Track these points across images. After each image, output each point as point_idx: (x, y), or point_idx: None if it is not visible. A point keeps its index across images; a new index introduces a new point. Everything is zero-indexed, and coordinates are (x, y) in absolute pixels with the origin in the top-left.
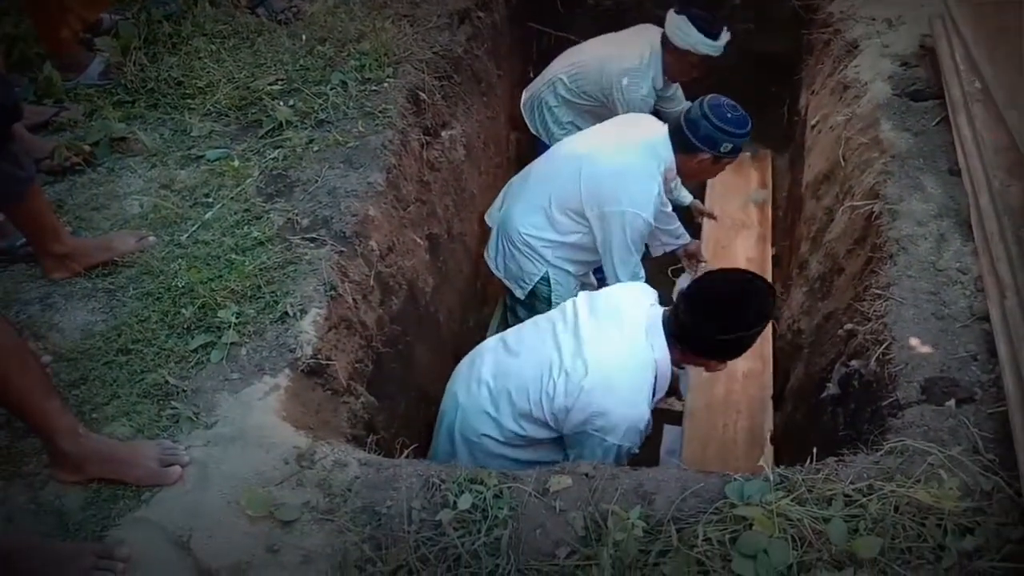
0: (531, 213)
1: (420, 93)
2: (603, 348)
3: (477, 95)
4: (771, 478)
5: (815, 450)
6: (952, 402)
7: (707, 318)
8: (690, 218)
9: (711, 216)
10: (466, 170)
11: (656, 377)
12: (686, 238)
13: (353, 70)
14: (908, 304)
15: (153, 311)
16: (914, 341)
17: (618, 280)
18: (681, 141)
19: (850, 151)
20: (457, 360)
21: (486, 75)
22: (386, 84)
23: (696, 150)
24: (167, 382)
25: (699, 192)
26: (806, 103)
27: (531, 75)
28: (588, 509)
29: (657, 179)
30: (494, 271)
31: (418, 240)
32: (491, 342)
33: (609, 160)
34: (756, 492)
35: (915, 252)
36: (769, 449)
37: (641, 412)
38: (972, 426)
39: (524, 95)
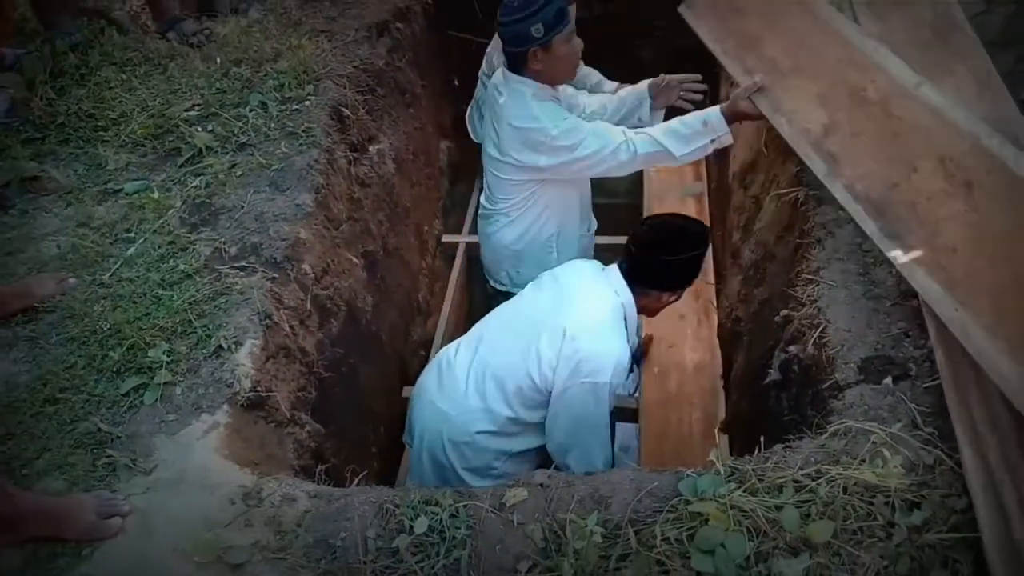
0: None
1: (343, 109)
2: (577, 303)
3: (402, 107)
4: (722, 471)
5: (763, 439)
6: (889, 379)
7: (656, 246)
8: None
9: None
10: (397, 183)
11: (626, 318)
12: None
13: (272, 90)
14: (839, 286)
15: (79, 356)
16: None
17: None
18: (511, 60)
19: (771, 140)
20: (405, 376)
21: (410, 86)
22: (307, 102)
23: (523, 55)
24: (100, 429)
25: (636, 187)
26: (726, 95)
27: (455, 83)
28: (546, 520)
29: (528, 103)
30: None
31: (353, 259)
32: (452, 347)
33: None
34: (709, 486)
35: (841, 235)
36: (723, 439)
37: (623, 347)
38: (910, 401)
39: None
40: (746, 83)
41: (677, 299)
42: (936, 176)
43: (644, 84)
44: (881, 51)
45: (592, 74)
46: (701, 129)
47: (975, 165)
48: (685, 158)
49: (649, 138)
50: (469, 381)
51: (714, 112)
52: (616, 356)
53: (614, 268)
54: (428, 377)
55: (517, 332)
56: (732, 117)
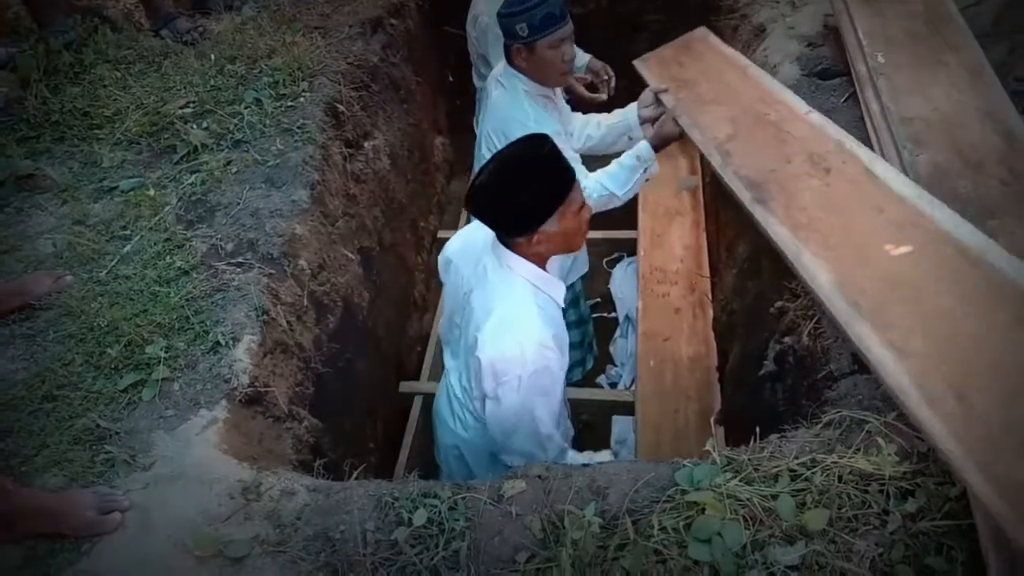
0: None
1: (338, 105)
2: (476, 317)
3: (397, 103)
4: (718, 461)
5: (758, 429)
6: None
7: (497, 191)
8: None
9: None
10: (393, 179)
11: (537, 287)
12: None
13: (267, 87)
14: None
15: (77, 353)
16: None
17: None
18: (504, 50)
19: None
20: (401, 372)
21: (404, 82)
22: (302, 99)
23: (508, 48)
24: (98, 426)
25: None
26: None
27: (450, 78)
28: (544, 511)
29: (521, 99)
30: None
31: (350, 255)
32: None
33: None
34: (705, 476)
35: None
36: (719, 431)
37: (526, 328)
38: None
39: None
40: (669, 110)
41: (582, 212)
42: (804, 165)
43: (631, 106)
44: (786, 91)
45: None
46: (636, 164)
47: (836, 158)
48: (627, 195)
49: (597, 184)
50: (454, 406)
51: (644, 145)
52: (527, 350)
53: (495, 244)
54: (439, 399)
55: (456, 354)
56: (659, 144)
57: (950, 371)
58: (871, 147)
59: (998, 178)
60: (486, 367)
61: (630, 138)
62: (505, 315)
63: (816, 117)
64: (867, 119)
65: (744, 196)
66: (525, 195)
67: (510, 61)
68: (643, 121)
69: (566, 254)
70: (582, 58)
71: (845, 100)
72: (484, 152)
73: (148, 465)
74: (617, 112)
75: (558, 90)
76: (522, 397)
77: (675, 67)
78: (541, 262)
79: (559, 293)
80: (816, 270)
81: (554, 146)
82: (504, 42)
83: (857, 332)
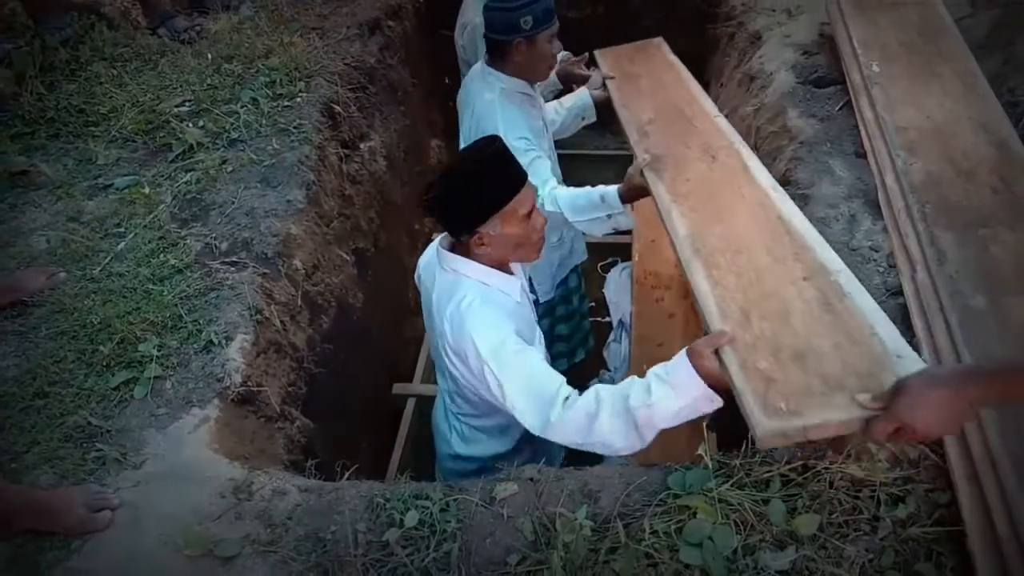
0: None
1: (335, 106)
2: (436, 314)
3: (393, 105)
4: (710, 465)
5: (750, 434)
6: None
7: (450, 195)
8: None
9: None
10: (388, 181)
11: (487, 283)
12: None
13: (263, 87)
14: None
15: (69, 350)
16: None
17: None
18: (492, 47)
19: (761, 140)
20: (395, 373)
21: (401, 84)
22: (299, 99)
23: (505, 44)
24: (90, 423)
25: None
26: (715, 96)
27: (446, 81)
28: (536, 514)
29: (496, 101)
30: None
31: (344, 256)
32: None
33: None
34: (697, 481)
35: (829, 234)
36: (711, 436)
37: (473, 321)
38: None
39: None
40: (638, 162)
41: (531, 220)
42: (698, 151)
43: (584, 88)
44: (706, 98)
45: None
46: (598, 203)
47: (724, 152)
48: (580, 225)
49: (554, 195)
50: (449, 419)
51: (611, 190)
52: (471, 334)
53: (440, 251)
54: (436, 411)
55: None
56: (628, 196)
57: (744, 299)
58: (865, 155)
59: (990, 186)
60: (454, 352)
61: (583, 118)
62: (452, 314)
63: (722, 121)
64: (861, 127)
65: (645, 159)
66: (465, 195)
67: (502, 57)
68: (594, 100)
69: (522, 261)
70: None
71: (840, 108)
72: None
73: (139, 463)
74: (573, 95)
75: (538, 86)
76: (495, 381)
77: (626, 63)
78: (493, 263)
79: (512, 287)
80: (679, 225)
81: (503, 149)
82: (496, 39)
83: (691, 269)
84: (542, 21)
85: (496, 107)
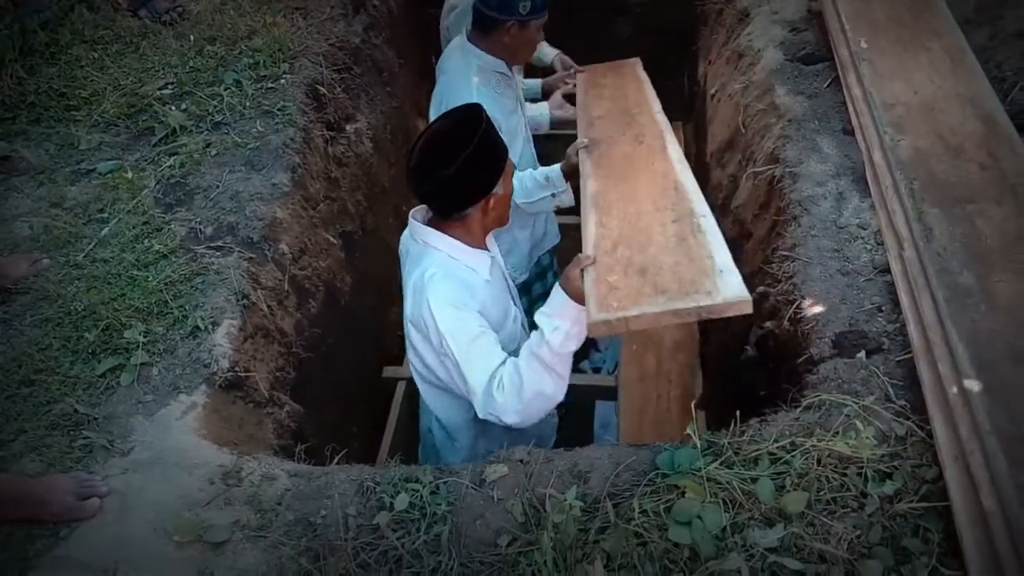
0: None
1: (319, 87)
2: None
3: (379, 85)
4: (699, 445)
5: (738, 413)
6: (862, 354)
7: (431, 167)
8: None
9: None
10: (375, 163)
11: (455, 258)
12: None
13: (247, 68)
14: (814, 263)
15: (54, 338)
16: (808, 303)
17: None
18: (481, 22)
19: (749, 118)
20: (384, 356)
21: (387, 64)
22: (283, 80)
23: (497, 22)
24: (76, 411)
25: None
26: (704, 73)
27: (433, 61)
28: (525, 495)
29: (471, 75)
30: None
31: (331, 239)
32: None
33: (436, 99)
34: (686, 460)
35: (817, 212)
36: (700, 415)
37: (432, 289)
38: (882, 375)
39: None
40: (576, 143)
41: (506, 194)
42: (629, 138)
43: (544, 104)
44: (656, 101)
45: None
46: (543, 183)
47: (651, 138)
48: (528, 207)
49: None
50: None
51: (555, 169)
52: (427, 299)
53: (419, 227)
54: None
55: None
56: (569, 172)
57: (618, 236)
58: (853, 132)
59: (977, 162)
60: (409, 327)
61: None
62: (414, 288)
63: (661, 117)
64: (849, 104)
65: (584, 143)
66: (460, 172)
67: (488, 35)
68: (552, 119)
69: (503, 224)
70: (549, 53)
71: (828, 85)
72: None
73: (127, 450)
74: (536, 105)
75: (516, 68)
76: (442, 355)
77: (600, 77)
78: (469, 237)
79: (481, 264)
80: (589, 184)
81: (486, 117)
82: (490, 16)
83: (587, 217)
84: (539, 9)
85: (471, 88)
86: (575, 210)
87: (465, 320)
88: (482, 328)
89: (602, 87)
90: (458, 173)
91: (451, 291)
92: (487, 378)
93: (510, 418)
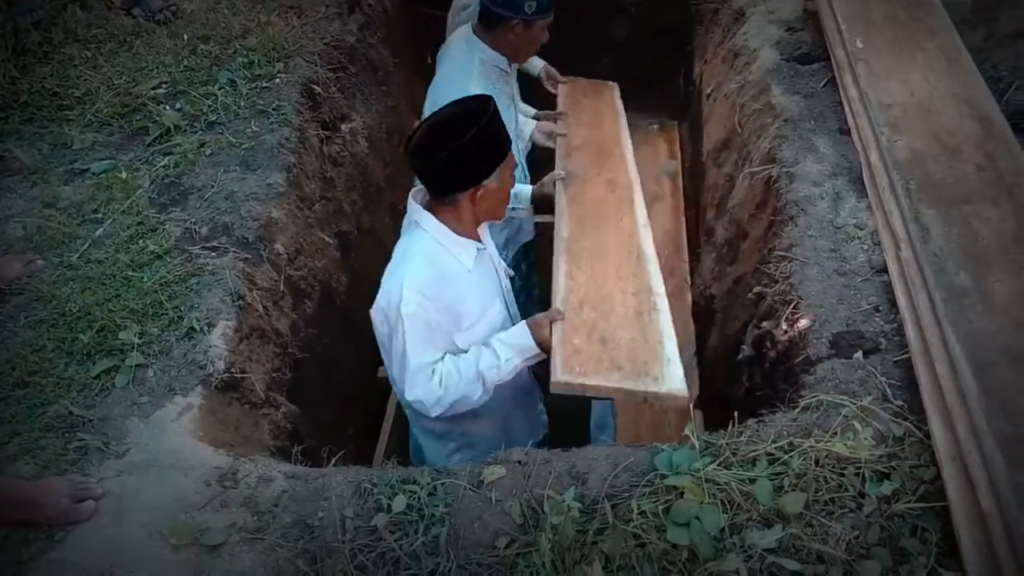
0: None
1: (314, 87)
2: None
3: (375, 85)
4: (697, 445)
5: (736, 413)
6: (860, 354)
7: (433, 144)
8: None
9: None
10: (371, 163)
11: (442, 244)
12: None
13: (241, 67)
14: (811, 263)
15: (48, 339)
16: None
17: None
18: (487, 17)
19: (745, 117)
20: (379, 358)
21: (382, 63)
22: (277, 80)
23: (502, 19)
24: (71, 413)
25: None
26: (700, 73)
27: (428, 60)
28: (524, 496)
29: (473, 67)
30: None
31: (327, 239)
32: None
33: (435, 84)
34: (684, 461)
35: (814, 212)
36: (697, 415)
37: (407, 271)
38: (880, 375)
39: None
40: (553, 174)
41: (500, 189)
42: (602, 181)
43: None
44: (629, 141)
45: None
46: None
47: (623, 187)
48: None
49: None
50: None
51: (527, 189)
52: (401, 282)
53: (415, 208)
54: None
55: None
56: (537, 200)
57: (585, 295)
58: (849, 132)
59: (974, 163)
60: (373, 313)
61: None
62: (395, 259)
63: (631, 164)
64: (845, 104)
65: (561, 175)
66: (455, 155)
67: (492, 31)
68: (534, 140)
69: (497, 218)
70: (537, 64)
71: (824, 85)
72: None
73: (122, 452)
74: (524, 119)
75: (514, 67)
76: (394, 331)
77: (580, 94)
78: (459, 224)
79: (467, 254)
80: (563, 224)
81: (495, 109)
82: (496, 12)
83: (559, 261)
84: (544, 10)
85: (472, 78)
86: (550, 208)
87: (427, 310)
88: (438, 323)
89: (582, 109)
90: (453, 155)
91: (426, 274)
92: (429, 369)
93: (434, 411)
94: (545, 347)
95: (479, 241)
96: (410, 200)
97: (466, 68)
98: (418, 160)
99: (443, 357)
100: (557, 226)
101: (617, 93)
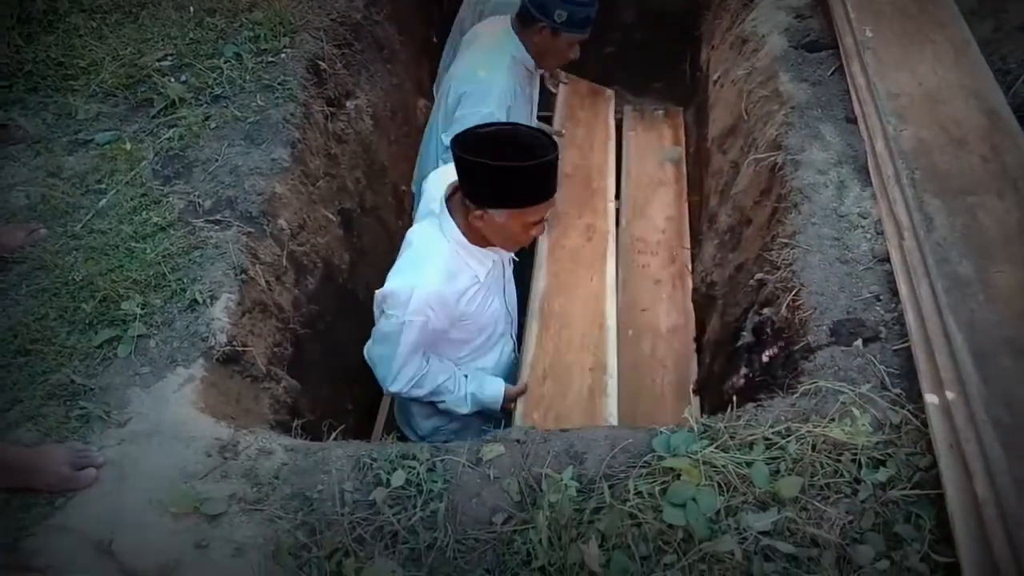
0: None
1: (320, 63)
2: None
3: (380, 62)
4: (695, 428)
5: (735, 398)
6: (859, 342)
7: (469, 144)
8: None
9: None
10: (375, 141)
11: (460, 254)
12: None
13: (247, 41)
14: (814, 251)
15: (51, 308)
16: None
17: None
18: (523, 13)
19: (752, 104)
20: None
21: (388, 41)
22: (283, 55)
23: (534, 20)
24: (73, 381)
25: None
26: (707, 59)
27: (434, 39)
28: (522, 474)
29: (506, 59)
30: None
31: (330, 216)
32: None
33: (465, 65)
34: (682, 443)
35: (818, 200)
36: (694, 400)
37: (424, 280)
38: (879, 363)
39: None
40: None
41: (533, 229)
42: (582, 227)
43: None
44: (612, 177)
45: None
46: None
47: (600, 235)
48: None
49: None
50: None
51: None
52: (413, 287)
53: (443, 208)
54: None
55: None
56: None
57: (549, 365)
58: (856, 121)
59: (980, 155)
60: (378, 296)
61: None
62: (413, 256)
63: (611, 205)
64: (852, 93)
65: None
66: (498, 180)
67: (525, 28)
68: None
69: (494, 248)
70: None
71: (832, 73)
72: (448, 91)
73: (123, 422)
74: None
75: (539, 71)
76: (394, 331)
77: (577, 106)
78: (469, 231)
79: (481, 267)
80: (540, 279)
81: (555, 160)
82: (530, 11)
83: (531, 324)
84: (575, 25)
85: (504, 67)
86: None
87: (429, 318)
88: (435, 328)
89: (577, 123)
90: (477, 167)
91: (438, 295)
92: (411, 370)
93: (390, 388)
94: (507, 410)
95: (493, 253)
96: (441, 192)
97: (499, 58)
98: (458, 147)
99: (428, 359)
100: (535, 276)
101: (612, 105)
